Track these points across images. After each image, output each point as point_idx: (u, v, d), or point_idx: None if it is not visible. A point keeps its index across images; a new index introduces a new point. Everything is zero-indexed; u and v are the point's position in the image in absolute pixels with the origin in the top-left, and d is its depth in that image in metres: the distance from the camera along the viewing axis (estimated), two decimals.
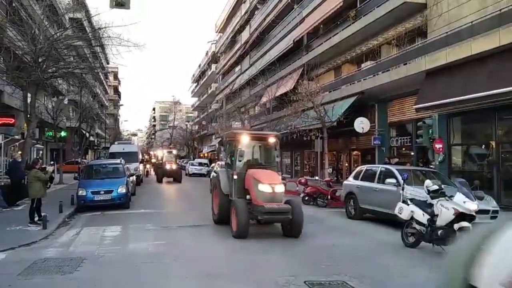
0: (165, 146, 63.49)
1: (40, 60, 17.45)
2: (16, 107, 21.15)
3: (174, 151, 38.79)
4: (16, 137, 22.32)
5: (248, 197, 9.97)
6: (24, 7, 20.76)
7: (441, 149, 14.53)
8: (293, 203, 9.84)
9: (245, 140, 10.66)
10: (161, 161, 32.76)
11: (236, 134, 11.09)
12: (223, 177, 10.90)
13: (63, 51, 19.37)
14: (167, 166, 29.14)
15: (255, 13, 39.31)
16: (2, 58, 19.25)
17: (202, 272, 6.86)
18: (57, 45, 18.26)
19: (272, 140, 10.97)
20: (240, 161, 10.50)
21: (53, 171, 19.11)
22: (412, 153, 18.72)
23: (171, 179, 28.80)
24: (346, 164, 25.36)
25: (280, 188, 9.73)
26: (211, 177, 20.28)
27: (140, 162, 29.52)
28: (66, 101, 32.46)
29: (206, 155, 61.30)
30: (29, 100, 18.85)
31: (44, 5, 20.09)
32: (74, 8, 24.75)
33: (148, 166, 41.05)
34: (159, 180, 28.50)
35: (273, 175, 10.06)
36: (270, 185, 9.52)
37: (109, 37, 17.87)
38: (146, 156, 54.63)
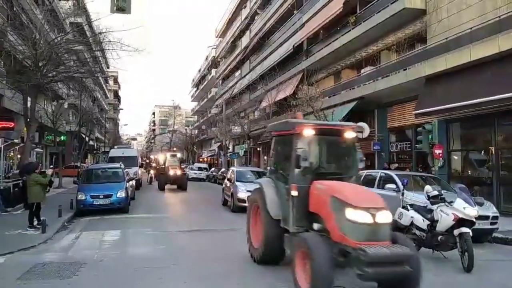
0: (165, 150, 59.58)
1: (40, 64, 17.48)
2: (16, 111, 21.17)
3: (178, 155, 34.85)
4: (16, 141, 22.32)
5: (316, 227, 6.33)
6: (25, 12, 20.81)
7: (440, 154, 14.55)
8: (403, 241, 5.97)
9: (309, 133, 6.80)
10: (163, 166, 28.43)
11: (296, 125, 6.90)
12: (271, 193, 7.23)
13: (64, 56, 19.41)
14: (171, 172, 25.29)
15: (256, 18, 39.45)
16: (2, 62, 19.29)
17: (201, 277, 6.84)
18: (57, 49, 18.30)
19: (350, 134, 7.38)
20: (302, 167, 6.55)
21: (52, 175, 19.14)
22: (412, 159, 18.71)
23: (175, 187, 25.71)
24: None
25: (385, 217, 5.80)
26: (223, 186, 18.68)
27: (140, 167, 29.45)
28: (66, 105, 32.57)
29: (205, 159, 61.31)
30: (29, 104, 18.87)
31: (45, 10, 20.18)
32: (75, 12, 24.86)
33: (152, 172, 36.86)
34: (161, 188, 25.33)
35: (369, 193, 6.70)
36: (368, 211, 5.64)
37: (110, 41, 17.92)
38: (146, 160, 53.43)
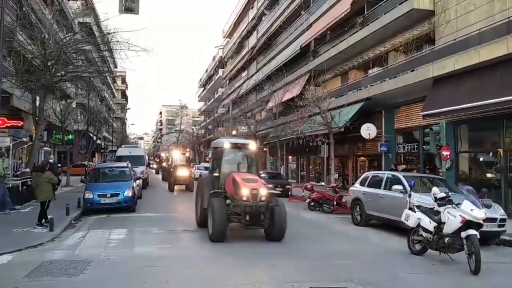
0: (173, 148, 60.03)
1: (49, 63, 17.63)
2: (25, 110, 21.37)
3: (187, 154, 34.78)
4: (25, 139, 22.51)
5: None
6: (35, 12, 21.01)
7: (448, 156, 14.45)
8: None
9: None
10: (171, 164, 28.35)
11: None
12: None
13: (72, 55, 19.58)
14: (179, 172, 24.73)
15: (263, 18, 39.46)
16: (12, 62, 19.48)
17: (206, 276, 6.86)
18: (66, 49, 18.45)
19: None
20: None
21: (60, 174, 19.27)
22: (419, 160, 18.61)
23: (183, 187, 25.06)
24: (352, 170, 25.28)
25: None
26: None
27: (147, 166, 29.51)
28: (74, 105, 32.77)
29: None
30: (37, 103, 19.05)
31: (54, 10, 20.37)
32: (83, 13, 25.06)
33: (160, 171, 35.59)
34: (171, 189, 24.54)
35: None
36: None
37: (118, 41, 18.03)
38: (156, 159, 52.67)
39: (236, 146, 11.24)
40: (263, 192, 9.63)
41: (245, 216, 9.48)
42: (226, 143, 10.97)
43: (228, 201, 9.93)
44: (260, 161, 12.10)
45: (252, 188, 9.53)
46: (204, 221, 10.49)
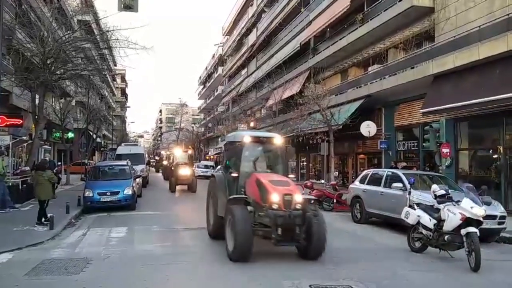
0: (172, 146, 58.51)
1: (48, 62, 17.60)
2: (24, 108, 21.34)
3: (190, 151, 31.81)
4: (24, 138, 22.50)
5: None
6: (34, 10, 20.96)
7: (448, 153, 14.46)
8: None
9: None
10: (172, 163, 26.64)
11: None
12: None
13: (71, 53, 19.53)
14: (181, 171, 22.84)
15: (262, 16, 39.40)
16: (11, 60, 19.45)
17: (207, 274, 6.87)
18: (65, 47, 18.42)
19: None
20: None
21: (60, 172, 19.28)
22: (419, 157, 18.61)
23: (185, 187, 23.39)
24: (352, 168, 25.28)
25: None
26: None
27: (147, 164, 29.49)
28: (73, 103, 32.72)
29: (212, 157, 61.39)
30: (37, 101, 19.01)
31: (53, 8, 20.32)
32: (82, 10, 25.00)
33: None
34: (173, 189, 22.59)
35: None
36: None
37: (117, 39, 17.99)
38: (155, 157, 51.84)
39: (259, 141, 9.38)
40: (298, 198, 7.68)
41: (276, 229, 7.37)
42: (246, 137, 9.08)
43: (249, 208, 8.02)
44: (287, 159, 10.01)
45: (285, 193, 7.58)
46: (219, 232, 8.73)
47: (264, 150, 9.63)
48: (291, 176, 10.05)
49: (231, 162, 9.63)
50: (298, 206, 7.55)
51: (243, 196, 8.37)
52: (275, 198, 7.49)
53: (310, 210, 7.85)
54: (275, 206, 7.46)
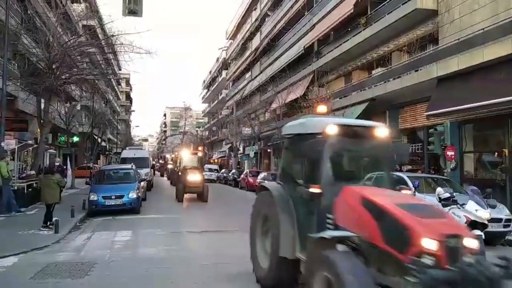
0: (177, 149, 56.48)
1: (54, 66, 17.74)
2: (30, 113, 21.49)
3: (200, 154, 27.75)
4: (30, 142, 22.64)
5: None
6: (39, 15, 21.15)
7: (453, 156, 14.39)
8: None
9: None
10: (178, 167, 24.04)
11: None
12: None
13: (77, 58, 19.67)
14: (190, 177, 19.45)
15: (266, 20, 39.49)
16: (16, 65, 19.62)
17: (211, 277, 6.87)
18: (70, 52, 18.56)
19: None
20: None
21: (66, 176, 19.37)
22: (424, 160, 18.53)
23: (194, 195, 20.27)
24: None
25: None
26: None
27: (151, 168, 29.56)
28: (78, 107, 32.91)
29: (216, 161, 61.45)
30: (42, 105, 19.15)
31: (58, 13, 20.46)
32: (87, 15, 25.19)
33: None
34: (180, 198, 19.21)
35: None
36: None
37: (122, 44, 18.12)
38: (160, 161, 50.77)
39: (354, 133, 5.52)
40: (470, 242, 4.15)
41: None
42: (331, 126, 5.31)
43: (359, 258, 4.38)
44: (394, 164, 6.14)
45: (447, 233, 4.05)
46: (279, 280, 5.77)
47: (362, 148, 5.75)
48: (407, 191, 6.45)
49: (296, 168, 6.31)
50: (470, 258, 4.00)
51: (351, 233, 4.56)
52: (428, 243, 3.96)
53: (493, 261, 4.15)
54: (427, 261, 3.91)
